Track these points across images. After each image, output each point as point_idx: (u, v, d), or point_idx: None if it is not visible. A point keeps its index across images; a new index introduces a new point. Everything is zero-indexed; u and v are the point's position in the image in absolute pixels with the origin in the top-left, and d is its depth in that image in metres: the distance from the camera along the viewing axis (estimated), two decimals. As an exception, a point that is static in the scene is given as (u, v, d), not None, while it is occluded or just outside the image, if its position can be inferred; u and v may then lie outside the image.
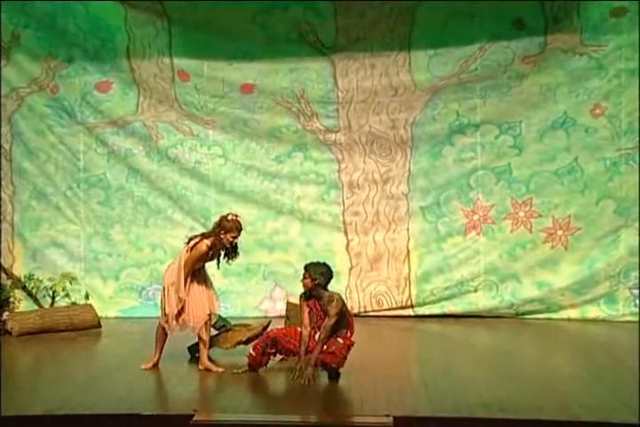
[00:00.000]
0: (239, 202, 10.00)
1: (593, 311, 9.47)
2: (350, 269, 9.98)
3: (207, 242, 6.55)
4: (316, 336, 6.37)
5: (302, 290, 6.48)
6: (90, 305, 9.08)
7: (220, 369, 6.63)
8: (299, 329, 6.49)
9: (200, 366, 6.67)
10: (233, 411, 5.57)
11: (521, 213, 9.76)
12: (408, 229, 9.95)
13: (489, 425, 5.30)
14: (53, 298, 9.34)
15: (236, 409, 5.63)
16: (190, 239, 6.68)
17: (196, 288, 6.68)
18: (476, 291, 9.77)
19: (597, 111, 9.49)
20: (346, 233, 10.03)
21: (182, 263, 6.60)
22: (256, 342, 6.69)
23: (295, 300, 7.52)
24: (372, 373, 6.72)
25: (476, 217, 9.85)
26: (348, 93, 9.95)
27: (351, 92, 9.94)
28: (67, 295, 9.37)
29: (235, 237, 6.59)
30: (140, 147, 10.01)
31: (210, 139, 10.06)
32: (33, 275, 9.54)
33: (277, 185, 10.07)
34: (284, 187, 10.06)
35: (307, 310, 6.43)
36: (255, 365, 6.58)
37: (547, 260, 9.66)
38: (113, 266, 9.99)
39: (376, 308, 9.91)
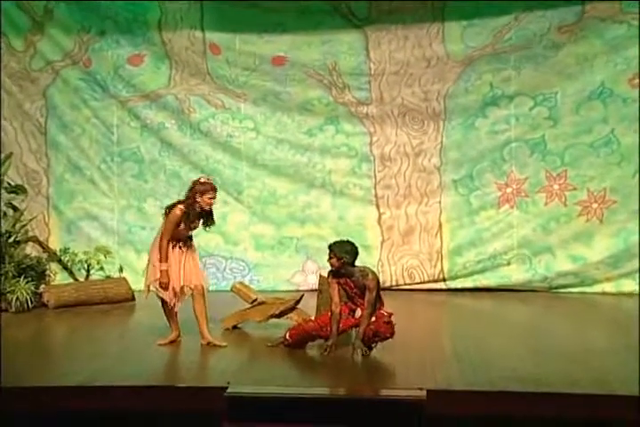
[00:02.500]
0: (271, 175, 10.00)
1: (628, 285, 9.38)
2: (382, 242, 9.95)
3: (181, 206, 6.50)
4: (357, 313, 6.36)
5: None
6: (124, 278, 9.16)
7: (224, 344, 6.59)
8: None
9: (202, 341, 6.62)
10: (266, 384, 5.60)
11: (555, 186, 9.65)
12: (440, 203, 9.88)
13: (523, 399, 5.29)
14: (88, 271, 9.43)
15: (269, 382, 5.66)
16: (166, 208, 6.64)
17: (184, 258, 6.59)
18: (508, 264, 9.70)
19: (636, 81, 9.30)
20: (377, 206, 10.00)
21: (160, 232, 6.56)
22: (292, 331, 6.55)
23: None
24: (404, 346, 6.70)
25: (509, 190, 9.76)
26: (380, 65, 9.85)
27: (383, 63, 9.84)
28: (101, 269, 9.45)
29: (211, 198, 6.54)
30: (173, 120, 10.01)
31: (241, 112, 10.03)
32: (68, 248, 9.61)
33: (309, 158, 10.02)
34: (316, 160, 10.01)
35: (336, 287, 6.40)
36: (290, 347, 6.56)
37: (581, 233, 9.56)
38: (146, 239, 9.91)
39: (408, 281, 9.88)
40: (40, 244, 9.51)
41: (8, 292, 8.33)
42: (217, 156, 10.02)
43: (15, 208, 9.20)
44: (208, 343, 6.61)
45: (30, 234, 9.42)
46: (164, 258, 6.51)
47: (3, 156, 9.65)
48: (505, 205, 9.77)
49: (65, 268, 9.51)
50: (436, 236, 9.89)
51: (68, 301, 8.59)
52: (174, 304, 6.64)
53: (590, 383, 5.50)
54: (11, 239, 8.73)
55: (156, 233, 6.73)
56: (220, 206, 9.85)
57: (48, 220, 9.93)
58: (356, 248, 6.42)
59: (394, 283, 9.87)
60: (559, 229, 9.62)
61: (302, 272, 9.94)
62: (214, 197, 6.58)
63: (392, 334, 6.32)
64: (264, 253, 10.00)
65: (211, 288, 9.39)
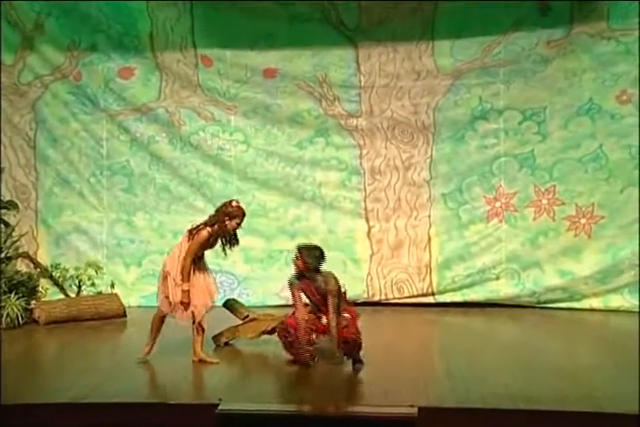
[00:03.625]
0: (261, 189, 10.01)
1: (616, 301, 9.39)
2: (371, 255, 9.97)
3: (209, 229, 6.53)
4: (323, 320, 6.38)
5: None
6: (115, 294, 9.14)
7: (215, 361, 6.60)
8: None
9: (194, 358, 6.62)
10: (257, 400, 5.60)
11: (544, 201, 9.69)
12: (429, 216, 9.91)
13: (514, 416, 5.31)
14: (79, 287, 9.40)
15: (261, 399, 5.66)
16: (192, 228, 6.63)
17: (197, 277, 6.63)
18: (497, 279, 9.73)
19: (624, 97, 9.36)
20: (367, 220, 10.01)
21: (185, 252, 6.55)
22: (279, 333, 6.63)
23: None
24: (395, 363, 6.74)
25: (498, 204, 9.80)
26: (370, 78, 9.90)
27: (373, 76, 9.89)
28: (92, 284, 9.40)
29: (239, 224, 6.59)
30: (163, 134, 10.01)
31: (232, 124, 10.04)
32: (59, 264, 9.57)
33: (299, 171, 10.04)
34: (306, 173, 10.03)
35: (298, 291, 6.44)
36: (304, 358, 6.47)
37: (570, 248, 9.59)
38: (135, 253, 10.02)
39: (397, 295, 9.89)
40: (31, 259, 9.47)
41: (-1, 308, 8.32)
42: (207, 169, 10.03)
43: (6, 224, 9.15)
44: (200, 360, 6.61)
45: (20, 250, 9.38)
46: (186, 278, 6.52)
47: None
48: (494, 220, 9.81)
49: (56, 284, 9.46)
50: (425, 249, 9.91)
51: (59, 317, 8.56)
52: (182, 321, 6.63)
53: (579, 400, 5.53)
54: (2, 255, 8.69)
55: (173, 249, 6.73)
56: (209, 220, 9.97)
57: (37, 233, 9.90)
58: (324, 255, 6.47)
59: (383, 297, 9.89)
60: (547, 244, 9.65)
61: (292, 286, 9.94)
62: (241, 223, 6.61)
63: (356, 336, 6.33)
64: (253, 267, 9.99)
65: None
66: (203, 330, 6.69)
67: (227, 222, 6.54)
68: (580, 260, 9.54)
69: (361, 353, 6.45)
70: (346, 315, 6.41)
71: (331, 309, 6.31)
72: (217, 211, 6.65)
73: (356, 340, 6.36)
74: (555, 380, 6.10)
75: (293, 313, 6.51)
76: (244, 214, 6.61)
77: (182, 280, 6.52)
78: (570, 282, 9.55)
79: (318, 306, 6.46)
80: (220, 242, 6.64)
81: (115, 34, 9.81)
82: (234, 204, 6.63)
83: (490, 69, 9.67)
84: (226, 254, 6.75)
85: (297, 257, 6.44)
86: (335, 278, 6.42)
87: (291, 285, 6.50)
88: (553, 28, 9.46)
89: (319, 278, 6.41)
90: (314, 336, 6.42)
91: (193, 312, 6.59)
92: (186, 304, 6.53)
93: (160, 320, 6.73)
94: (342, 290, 6.48)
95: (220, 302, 7.98)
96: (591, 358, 7.09)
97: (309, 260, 6.39)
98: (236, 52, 9.89)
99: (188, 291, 6.53)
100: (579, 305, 9.50)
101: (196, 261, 6.63)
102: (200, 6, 9.72)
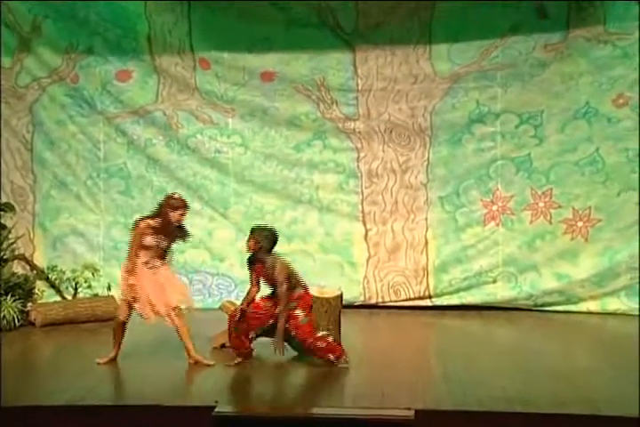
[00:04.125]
0: (258, 191, 10.01)
1: (613, 304, 9.40)
2: (368, 258, 9.97)
3: (148, 221, 6.55)
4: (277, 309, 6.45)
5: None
6: (112, 297, 9.10)
7: (211, 362, 6.57)
8: (261, 303, 6.57)
9: (190, 360, 6.60)
10: (254, 403, 5.60)
11: (541, 204, 9.70)
12: (426, 219, 9.92)
13: (511, 419, 5.31)
14: (76, 289, 9.38)
15: (257, 401, 5.66)
16: (134, 222, 6.67)
17: (160, 274, 6.58)
18: (494, 282, 9.73)
19: (621, 101, 9.38)
20: (364, 223, 10.01)
21: (129, 247, 6.58)
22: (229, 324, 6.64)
23: (316, 292, 7.56)
24: (392, 366, 6.74)
25: (495, 207, 9.81)
26: (367, 81, 9.91)
27: (371, 79, 9.90)
28: (89, 287, 9.39)
29: (182, 215, 6.60)
30: (160, 136, 10.01)
31: (229, 127, 10.04)
32: (56, 266, 9.55)
33: (297, 174, 10.04)
34: (303, 176, 10.04)
35: (253, 273, 6.58)
36: (240, 349, 6.58)
37: (566, 251, 9.60)
38: None
39: (394, 298, 9.89)
40: (27, 262, 9.45)
41: (-5, 310, 8.29)
42: (204, 171, 10.02)
43: (3, 226, 9.15)
44: (195, 362, 6.59)
45: (17, 252, 9.36)
46: (132, 272, 6.51)
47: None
48: (491, 223, 9.81)
49: (52, 286, 9.45)
50: (422, 252, 9.92)
51: (56, 319, 8.54)
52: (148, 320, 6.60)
53: (576, 403, 5.53)
54: (-2, 257, 8.71)
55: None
56: (207, 222, 9.99)
57: (33, 236, 9.87)
58: (276, 236, 6.59)
59: (380, 300, 9.88)
60: (544, 247, 9.66)
61: (288, 289, 9.92)
62: (185, 214, 6.63)
63: (312, 337, 6.44)
64: None
65: (197, 305, 9.49)
66: (188, 330, 6.61)
67: (170, 214, 6.54)
68: (577, 263, 9.55)
69: (330, 356, 6.49)
70: (298, 313, 6.46)
71: (280, 297, 6.43)
72: (160, 204, 6.68)
73: (309, 341, 6.44)
74: (552, 383, 6.10)
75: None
76: (186, 206, 6.64)
77: (127, 274, 6.51)
78: (567, 285, 9.56)
79: (274, 290, 6.55)
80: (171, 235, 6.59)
81: (112, 36, 9.81)
82: (176, 196, 6.68)
83: (487, 73, 9.69)
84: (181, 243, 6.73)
85: (249, 238, 6.55)
86: (283, 264, 6.52)
87: (249, 268, 6.61)
88: (550, 32, 9.49)
89: (268, 261, 6.51)
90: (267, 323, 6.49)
91: (159, 312, 6.54)
92: (133, 298, 6.49)
93: (121, 325, 6.68)
94: (294, 278, 6.57)
95: (214, 303, 8.01)
96: (589, 360, 7.10)
97: (261, 239, 6.49)
98: (234, 55, 9.90)
99: (134, 285, 6.49)
100: (576, 308, 9.50)
101: (157, 262, 6.56)
102: (198, 10, 9.73)
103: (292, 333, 6.49)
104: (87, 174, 9.99)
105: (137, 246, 6.53)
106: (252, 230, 6.58)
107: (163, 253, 6.62)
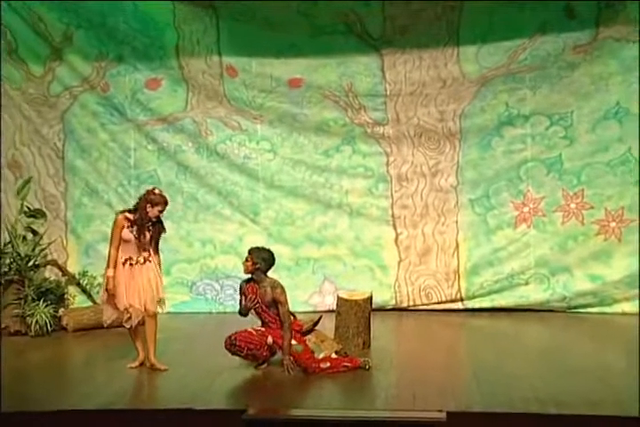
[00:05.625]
0: (288, 197, 10.03)
1: (648, 305, 9.31)
2: (399, 262, 9.94)
3: (126, 214, 6.60)
4: (269, 340, 6.52)
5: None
6: (143, 302, 9.17)
7: (163, 367, 6.56)
8: (254, 332, 6.58)
9: (146, 363, 6.64)
10: (284, 406, 5.60)
11: (572, 205, 9.62)
12: (457, 222, 9.87)
13: (543, 421, 5.26)
14: (107, 294, 9.45)
15: (287, 404, 5.66)
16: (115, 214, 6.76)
17: (140, 272, 6.59)
18: (526, 284, 9.65)
19: (652, 100, 9.31)
20: (394, 226, 9.99)
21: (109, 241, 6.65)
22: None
23: (345, 295, 7.56)
24: (424, 368, 6.72)
25: (526, 209, 9.74)
26: (396, 86, 9.90)
27: (399, 84, 9.89)
28: (121, 292, 9.47)
29: (161, 211, 6.61)
30: (190, 143, 10.07)
31: (258, 134, 10.08)
32: (87, 271, 9.63)
33: (326, 179, 10.05)
34: (333, 181, 10.04)
35: (243, 296, 6.61)
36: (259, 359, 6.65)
37: (599, 252, 9.50)
38: (164, 261, 9.74)
39: (425, 301, 9.85)
40: (59, 267, 9.53)
41: (28, 315, 8.36)
42: (234, 178, 10.06)
43: (35, 232, 9.24)
44: (151, 366, 6.60)
45: (49, 258, 9.45)
46: (111, 265, 6.57)
47: (22, 180, 9.73)
48: (522, 225, 9.74)
49: (84, 291, 9.52)
50: (452, 255, 9.87)
51: (87, 324, 8.59)
52: (127, 321, 6.65)
53: (611, 405, 5.48)
54: (30, 263, 8.75)
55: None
56: (237, 228, 10.04)
57: (66, 243, 9.96)
58: (273, 258, 6.61)
59: (411, 303, 9.84)
60: (577, 249, 9.58)
61: (319, 293, 9.92)
62: (163, 210, 6.63)
63: (314, 363, 6.47)
64: (281, 274, 9.75)
65: (229, 309, 9.56)
66: (155, 331, 6.63)
67: (148, 209, 6.56)
68: (611, 264, 9.45)
69: (346, 367, 6.53)
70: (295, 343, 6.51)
71: (282, 317, 6.48)
72: (139, 198, 6.70)
73: (312, 366, 6.44)
74: (585, 384, 6.05)
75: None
76: (165, 202, 6.63)
77: (107, 267, 6.57)
78: (600, 286, 9.46)
79: (259, 313, 6.56)
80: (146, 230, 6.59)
81: (141, 45, 9.89)
82: (156, 191, 6.68)
83: (516, 75, 9.65)
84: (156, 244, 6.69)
85: (246, 259, 6.57)
86: (282, 287, 6.53)
87: (240, 292, 6.63)
88: (579, 33, 9.42)
89: (267, 282, 6.53)
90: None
91: (130, 312, 6.59)
92: (111, 291, 6.52)
93: (135, 332, 6.73)
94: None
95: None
96: (623, 362, 7.02)
97: (258, 260, 6.52)
98: (261, 62, 9.94)
99: (113, 277, 6.53)
100: (610, 310, 9.40)
101: (133, 261, 6.59)
102: (225, 18, 9.78)
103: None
104: (118, 182, 10.06)
105: (116, 240, 6.59)
106: (250, 251, 6.60)
107: (144, 248, 6.62)
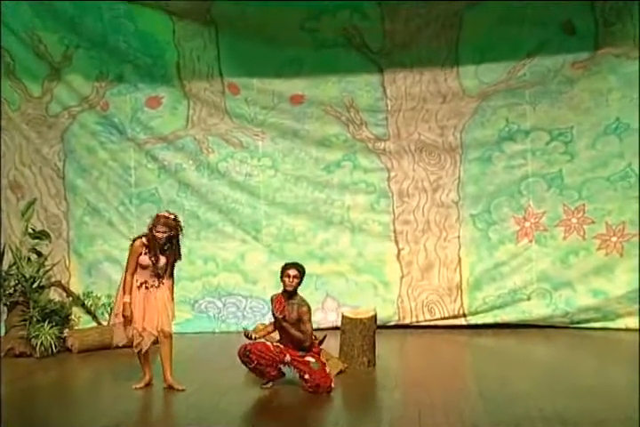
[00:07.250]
0: (289, 213, 10.04)
1: (652, 320, 9.29)
2: (401, 278, 9.94)
3: (142, 239, 6.60)
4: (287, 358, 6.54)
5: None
6: (147, 321, 9.14)
7: (183, 387, 6.56)
8: (268, 343, 6.61)
9: (164, 384, 6.62)
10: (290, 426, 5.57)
11: (573, 220, 9.63)
12: (459, 237, 9.88)
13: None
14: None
15: (294, 424, 5.64)
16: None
17: (155, 296, 6.60)
18: (529, 299, 9.65)
19: (651, 116, 9.33)
20: (396, 242, 10.00)
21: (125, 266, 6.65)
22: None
23: (350, 313, 7.55)
24: (428, 386, 6.70)
25: (527, 224, 9.75)
26: (396, 101, 9.93)
27: (400, 99, 9.92)
28: (124, 312, 9.43)
29: (160, 232, 6.57)
30: (191, 161, 10.08)
31: (259, 150, 10.10)
32: (91, 292, 9.62)
33: (327, 195, 10.07)
34: (334, 197, 10.05)
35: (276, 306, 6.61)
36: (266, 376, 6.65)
37: (601, 267, 9.51)
38: None
39: (428, 317, 9.84)
40: (63, 288, 9.51)
41: (32, 337, 8.33)
42: (235, 195, 10.07)
43: (39, 253, 9.22)
44: (169, 386, 6.60)
45: (53, 279, 9.43)
46: (127, 291, 6.55)
47: (26, 202, 9.71)
48: (524, 239, 9.75)
49: (88, 312, 9.51)
50: (455, 270, 9.87)
51: (92, 345, 8.58)
52: (138, 345, 6.63)
53: (618, 423, 5.45)
54: (35, 285, 8.72)
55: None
56: (239, 245, 10.03)
57: (69, 263, 9.94)
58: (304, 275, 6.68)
59: (414, 319, 9.84)
60: (579, 263, 9.58)
61: (322, 310, 9.89)
62: (163, 232, 6.58)
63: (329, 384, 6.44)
64: None
65: (232, 328, 9.54)
66: (170, 353, 6.61)
67: (154, 232, 6.57)
68: (613, 279, 9.45)
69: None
70: (309, 359, 6.51)
71: (306, 335, 6.49)
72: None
73: (325, 385, 6.44)
74: (590, 401, 6.03)
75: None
76: (165, 224, 6.58)
77: (123, 293, 6.54)
78: (603, 301, 9.45)
79: (282, 327, 6.55)
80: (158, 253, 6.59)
81: (142, 64, 9.90)
82: (160, 213, 6.74)
83: (515, 91, 9.69)
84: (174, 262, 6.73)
85: (296, 276, 6.57)
86: (309, 306, 6.59)
87: (280, 296, 6.65)
88: (578, 50, 9.46)
89: (298, 298, 6.58)
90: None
91: (143, 336, 6.57)
92: (127, 317, 6.51)
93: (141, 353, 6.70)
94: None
95: (248, 326, 8.02)
96: (628, 378, 6.97)
97: (302, 275, 6.59)
98: (263, 79, 9.96)
99: (130, 303, 6.51)
100: (614, 325, 9.39)
101: (148, 285, 6.59)
102: (225, 35, 9.81)
103: (306, 376, 6.47)
104: (119, 200, 10.06)
105: (132, 266, 6.58)
106: (296, 267, 6.58)
107: (159, 273, 6.62)
